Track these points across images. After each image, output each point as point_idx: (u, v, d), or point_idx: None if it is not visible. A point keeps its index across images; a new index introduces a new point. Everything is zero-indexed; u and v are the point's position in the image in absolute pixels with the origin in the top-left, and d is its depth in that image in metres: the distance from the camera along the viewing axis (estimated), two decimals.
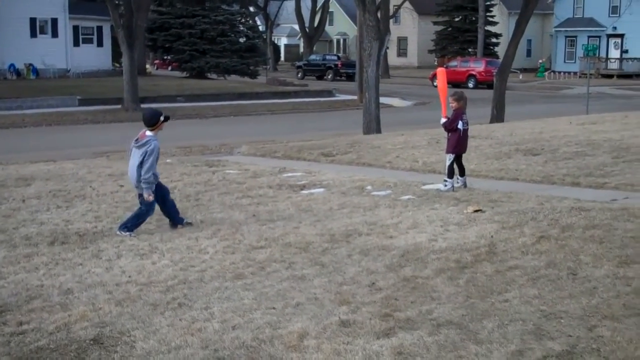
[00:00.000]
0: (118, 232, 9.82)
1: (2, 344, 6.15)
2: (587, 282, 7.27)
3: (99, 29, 51.26)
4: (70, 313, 6.82)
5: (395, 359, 5.70)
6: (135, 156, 9.87)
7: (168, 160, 17.09)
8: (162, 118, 9.99)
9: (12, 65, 46.05)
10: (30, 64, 46.94)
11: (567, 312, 6.49)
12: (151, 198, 9.83)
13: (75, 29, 49.99)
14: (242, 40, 56.64)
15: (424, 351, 5.81)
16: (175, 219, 10.25)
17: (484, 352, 5.77)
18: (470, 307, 6.71)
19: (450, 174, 12.41)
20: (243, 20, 59.60)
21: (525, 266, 7.86)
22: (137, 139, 9.96)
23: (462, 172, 12.65)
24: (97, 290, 7.47)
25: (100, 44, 51.70)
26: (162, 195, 10.16)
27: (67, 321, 6.63)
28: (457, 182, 12.51)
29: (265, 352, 5.87)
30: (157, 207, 10.13)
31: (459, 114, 12.33)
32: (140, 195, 9.99)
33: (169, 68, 64.19)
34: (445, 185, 12.31)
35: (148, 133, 9.93)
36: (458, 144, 12.40)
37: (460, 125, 12.28)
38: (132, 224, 9.94)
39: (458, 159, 12.52)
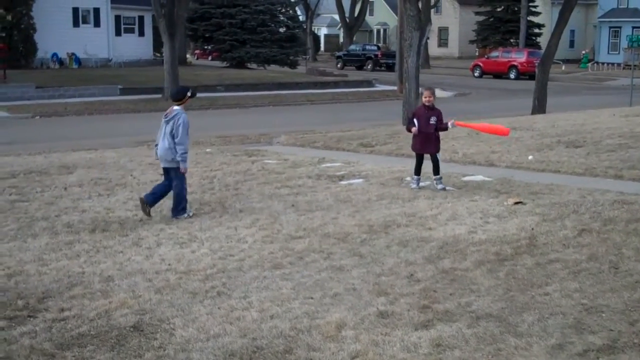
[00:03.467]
0: (176, 218, 10.15)
1: (44, 330, 6.24)
2: (629, 276, 7.18)
3: (141, 18, 51.59)
4: (110, 300, 6.90)
5: (434, 351, 5.67)
6: (165, 130, 10.26)
7: (208, 150, 17.17)
8: (188, 93, 10.45)
9: (55, 54, 46.58)
10: (73, 53, 47.44)
11: (608, 306, 6.41)
12: (185, 171, 10.30)
13: (117, 18, 50.38)
14: (282, 30, 56.64)
15: (462, 343, 5.78)
16: (176, 208, 10.34)
17: (524, 345, 5.72)
18: (510, 300, 6.66)
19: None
20: (283, 10, 59.52)
21: (567, 259, 7.77)
22: (166, 114, 10.38)
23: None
24: (137, 278, 7.54)
25: (141, 33, 52.05)
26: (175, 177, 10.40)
27: (108, 308, 6.70)
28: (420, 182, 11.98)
29: (303, 342, 5.88)
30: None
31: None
32: (167, 171, 10.34)
33: (209, 58, 64.43)
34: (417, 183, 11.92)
35: (175, 107, 10.35)
36: None
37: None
38: (180, 205, 10.27)
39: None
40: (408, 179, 12.58)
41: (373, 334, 5.99)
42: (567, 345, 5.70)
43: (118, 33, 50.55)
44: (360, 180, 12.74)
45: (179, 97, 10.49)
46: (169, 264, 8.00)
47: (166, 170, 10.49)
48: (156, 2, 33.58)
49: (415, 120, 11.71)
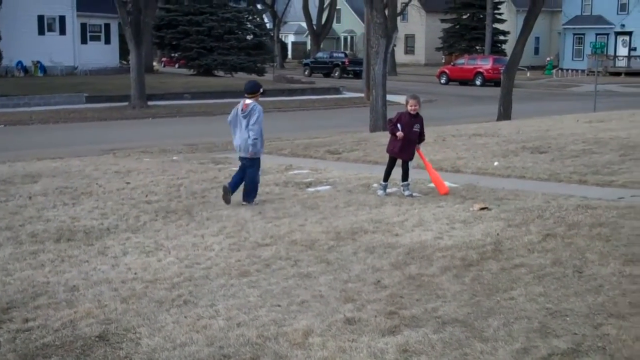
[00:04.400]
0: (247, 202, 11.29)
1: (8, 341, 6.16)
2: (593, 280, 7.26)
3: (107, 26, 51.34)
4: (76, 310, 6.84)
5: (401, 357, 5.70)
6: (244, 124, 11.28)
7: (174, 158, 17.12)
8: (261, 90, 11.59)
9: (20, 62, 46.18)
10: (38, 62, 47.07)
11: (572, 310, 6.48)
12: (253, 155, 11.31)
13: (83, 26, 50.08)
14: (249, 37, 56.64)
15: (429, 349, 5.80)
16: (247, 194, 11.44)
17: (489, 350, 5.76)
18: (475, 305, 6.71)
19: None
20: (250, 17, 59.56)
21: (531, 264, 7.85)
22: (242, 110, 11.33)
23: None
24: (103, 287, 7.48)
25: (107, 41, 51.79)
26: (249, 165, 11.46)
27: (73, 318, 6.64)
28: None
29: (270, 350, 5.87)
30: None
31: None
32: (247, 159, 11.39)
33: (176, 65, 64.24)
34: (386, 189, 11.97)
35: (248, 101, 11.33)
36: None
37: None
38: (253, 192, 11.44)
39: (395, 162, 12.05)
40: (375, 185, 12.62)
41: (340, 341, 5.99)
42: (532, 349, 5.75)
43: (84, 41, 50.24)
44: (328, 187, 12.77)
45: (253, 90, 11.47)
46: (135, 273, 7.95)
47: (243, 160, 11.50)
48: (122, 10, 33.43)
49: (399, 125, 11.76)
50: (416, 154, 12.07)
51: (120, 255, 8.69)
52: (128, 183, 13.31)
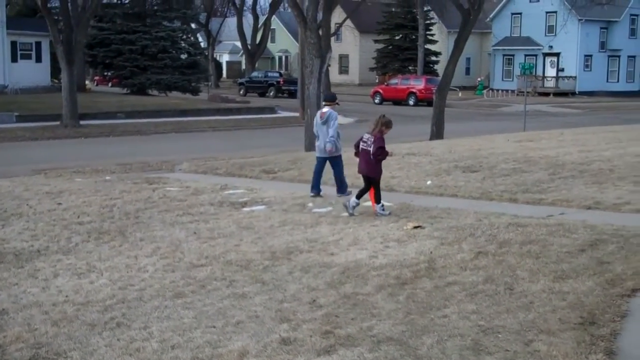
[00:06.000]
0: (339, 195, 13.24)
1: None
2: (524, 297, 7.39)
3: (38, 44, 50.44)
4: (5, 334, 6.70)
5: None
6: (324, 129, 13.30)
7: (107, 178, 16.88)
8: (337, 100, 13.81)
9: None
10: None
11: (504, 327, 6.58)
12: (333, 149, 13.23)
13: (13, 44, 49.11)
14: (183, 56, 56.31)
15: None
16: (340, 188, 13.48)
17: None
18: (410, 323, 6.77)
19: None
20: (184, 36, 59.24)
21: (464, 282, 7.95)
22: (320, 117, 13.41)
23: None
24: (33, 311, 7.34)
25: (38, 59, 50.86)
26: (334, 164, 13.45)
27: (2, 342, 6.50)
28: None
29: None
30: None
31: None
32: (333, 159, 13.38)
33: (109, 84, 63.44)
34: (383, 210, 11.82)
35: (325, 109, 13.47)
36: None
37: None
38: (343, 185, 13.43)
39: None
40: (310, 204, 12.67)
41: None
42: None
43: (14, 59, 49.23)
44: (263, 206, 12.76)
45: (332, 99, 13.81)
46: (67, 296, 7.82)
47: (325, 160, 13.45)
48: (54, 28, 32.92)
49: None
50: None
51: (51, 277, 8.54)
52: (60, 204, 13.09)
